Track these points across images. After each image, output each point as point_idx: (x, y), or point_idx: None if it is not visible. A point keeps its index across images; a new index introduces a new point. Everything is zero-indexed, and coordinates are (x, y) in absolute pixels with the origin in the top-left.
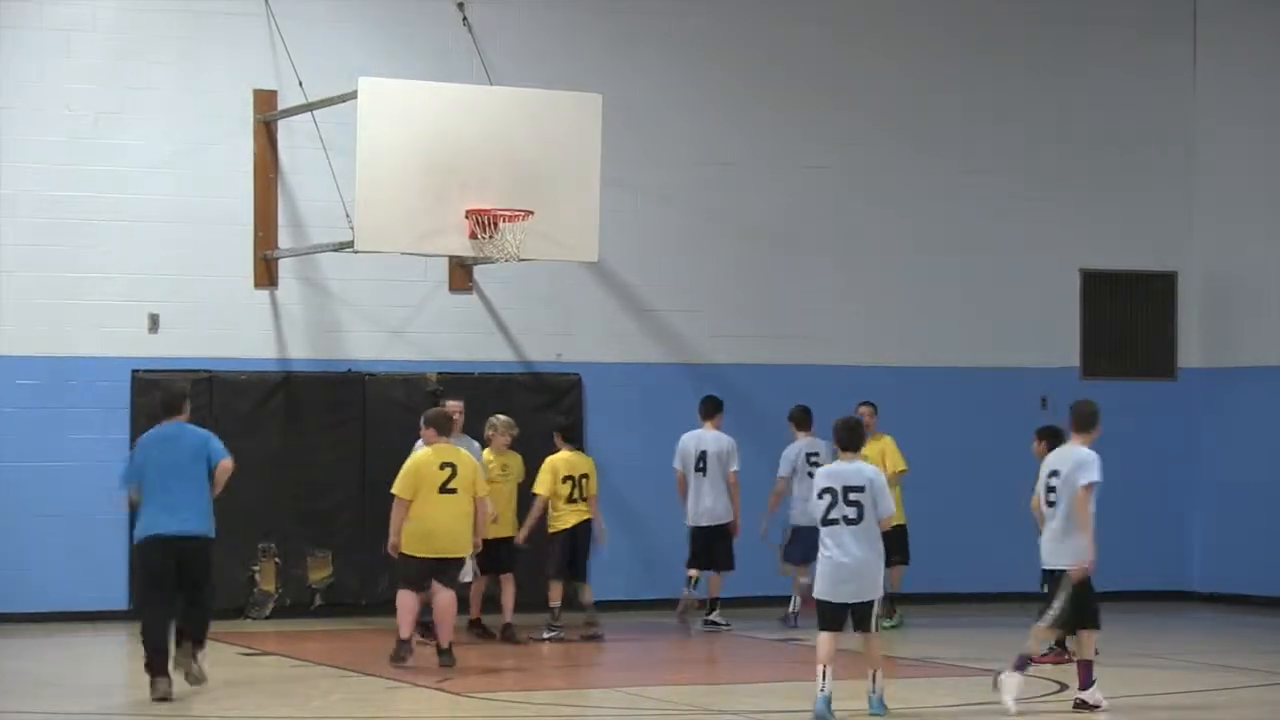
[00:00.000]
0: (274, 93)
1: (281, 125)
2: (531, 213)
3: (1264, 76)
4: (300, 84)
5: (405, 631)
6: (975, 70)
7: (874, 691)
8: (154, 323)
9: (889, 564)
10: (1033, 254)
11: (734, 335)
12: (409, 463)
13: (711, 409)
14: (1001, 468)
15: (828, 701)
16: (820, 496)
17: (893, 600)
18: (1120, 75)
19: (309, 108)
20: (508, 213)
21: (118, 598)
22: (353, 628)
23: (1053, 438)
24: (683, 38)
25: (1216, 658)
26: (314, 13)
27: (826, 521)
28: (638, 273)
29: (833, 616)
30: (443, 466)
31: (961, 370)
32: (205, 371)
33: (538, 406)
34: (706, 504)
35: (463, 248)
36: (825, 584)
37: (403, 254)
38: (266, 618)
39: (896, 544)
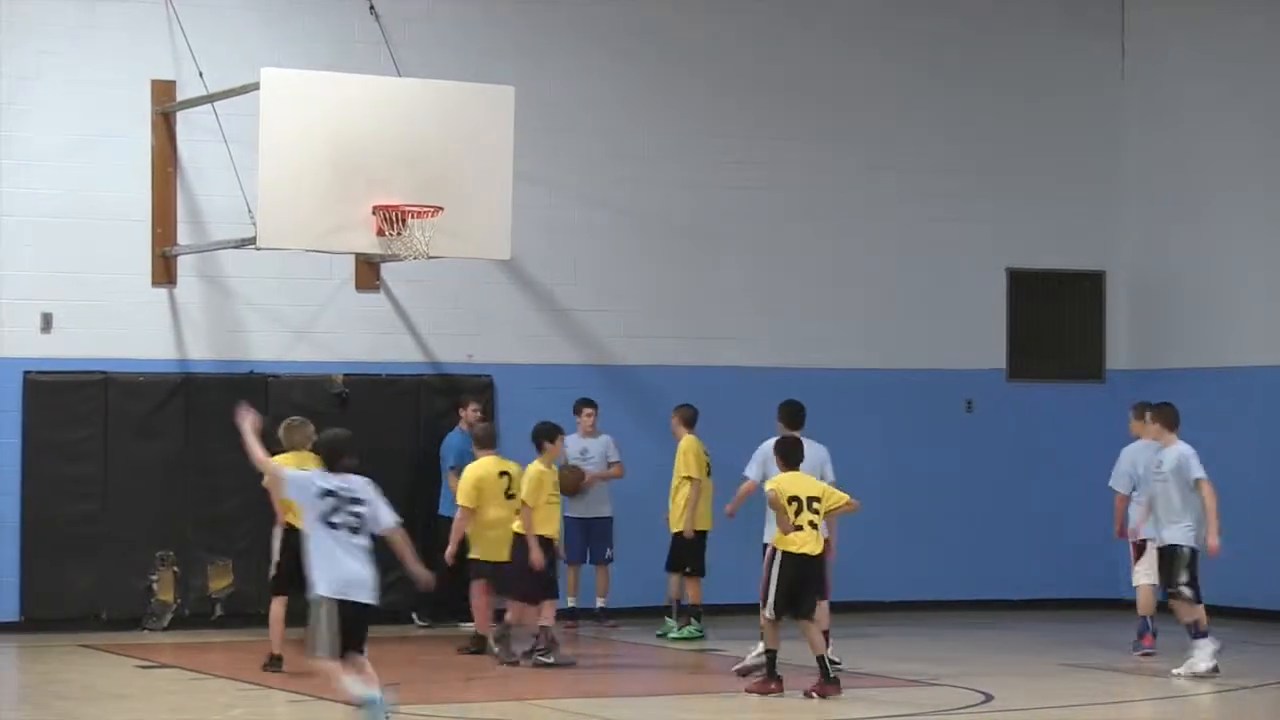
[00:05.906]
0: (172, 83)
1: (181, 117)
2: (441, 209)
3: (1191, 75)
4: (200, 74)
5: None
6: (898, 68)
7: None
8: (47, 322)
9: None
10: (958, 253)
11: (650, 336)
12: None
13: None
14: (927, 471)
15: None
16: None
17: (692, 610)
18: (1047, 73)
19: (209, 99)
20: (416, 209)
21: (8, 610)
22: (254, 639)
23: None
24: (597, 31)
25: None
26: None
27: None
28: (551, 271)
29: None
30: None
31: (885, 372)
32: (100, 373)
33: (447, 410)
34: None
35: (370, 245)
36: None
37: (307, 251)
38: (165, 629)
39: (691, 552)
